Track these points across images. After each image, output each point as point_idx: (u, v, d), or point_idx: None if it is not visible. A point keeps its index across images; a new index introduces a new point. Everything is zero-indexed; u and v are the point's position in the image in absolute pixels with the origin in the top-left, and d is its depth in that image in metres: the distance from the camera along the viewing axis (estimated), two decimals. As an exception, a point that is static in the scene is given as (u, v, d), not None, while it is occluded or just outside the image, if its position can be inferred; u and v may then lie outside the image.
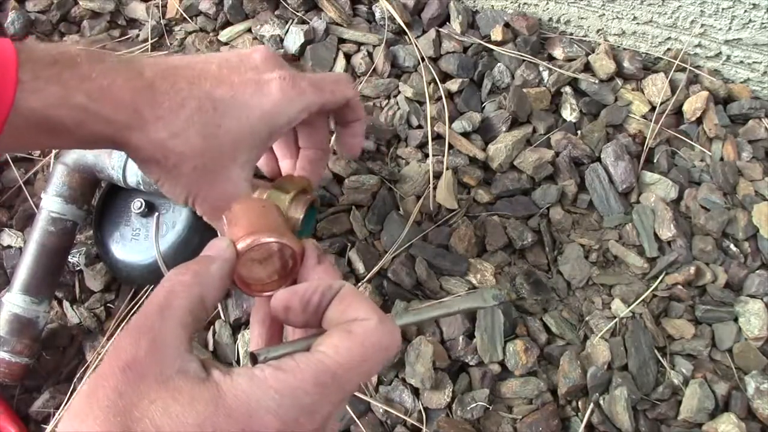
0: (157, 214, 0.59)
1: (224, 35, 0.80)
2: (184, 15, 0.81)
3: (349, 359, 0.28)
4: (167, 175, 0.40)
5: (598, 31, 0.81)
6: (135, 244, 0.60)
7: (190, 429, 0.25)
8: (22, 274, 0.59)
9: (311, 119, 0.46)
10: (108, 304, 0.67)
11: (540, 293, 0.64)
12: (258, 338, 0.38)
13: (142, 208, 0.58)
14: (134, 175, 0.58)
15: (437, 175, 0.70)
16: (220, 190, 0.41)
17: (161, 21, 0.81)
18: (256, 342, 0.38)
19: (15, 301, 0.58)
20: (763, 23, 0.71)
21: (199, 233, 0.59)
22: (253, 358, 0.30)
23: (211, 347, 0.63)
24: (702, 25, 0.74)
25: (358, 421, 0.58)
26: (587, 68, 0.78)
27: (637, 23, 0.77)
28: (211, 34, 0.81)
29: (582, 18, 0.80)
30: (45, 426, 0.61)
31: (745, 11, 0.70)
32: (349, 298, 0.32)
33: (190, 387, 0.27)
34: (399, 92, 0.75)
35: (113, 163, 0.58)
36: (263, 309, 0.38)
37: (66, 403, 0.61)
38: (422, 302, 0.64)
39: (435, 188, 0.69)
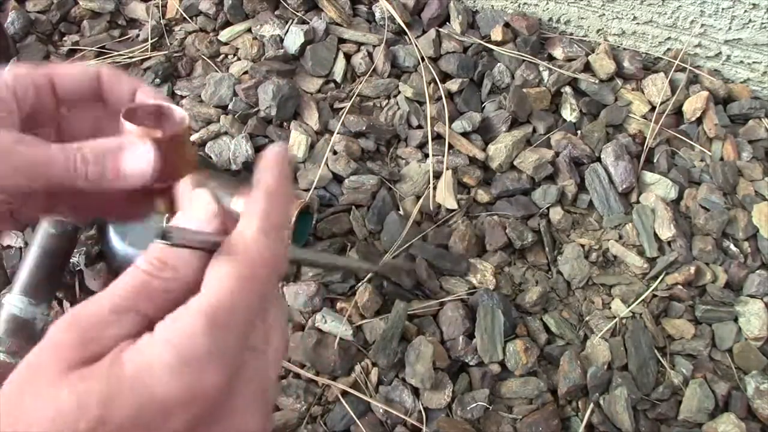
0: (167, 214, 0.59)
1: (224, 35, 0.80)
2: (184, 15, 0.81)
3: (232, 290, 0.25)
4: None
5: (598, 31, 0.81)
6: (147, 242, 0.60)
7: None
8: (22, 276, 0.59)
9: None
10: (108, 304, 0.67)
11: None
12: None
13: None
14: None
15: (437, 175, 0.70)
16: None
17: (161, 21, 0.81)
18: None
19: (14, 302, 0.58)
20: (763, 23, 0.71)
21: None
22: (163, 235, 0.27)
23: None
24: (702, 25, 0.74)
25: (358, 421, 0.58)
26: (587, 68, 0.78)
27: (637, 23, 0.77)
28: (211, 34, 0.81)
29: (582, 18, 0.80)
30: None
31: (745, 11, 0.70)
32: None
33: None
34: (399, 92, 0.75)
35: None
36: None
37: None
38: (422, 302, 0.64)
39: (435, 188, 0.69)
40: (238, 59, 0.78)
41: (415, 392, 0.60)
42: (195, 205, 0.29)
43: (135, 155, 0.33)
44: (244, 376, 0.26)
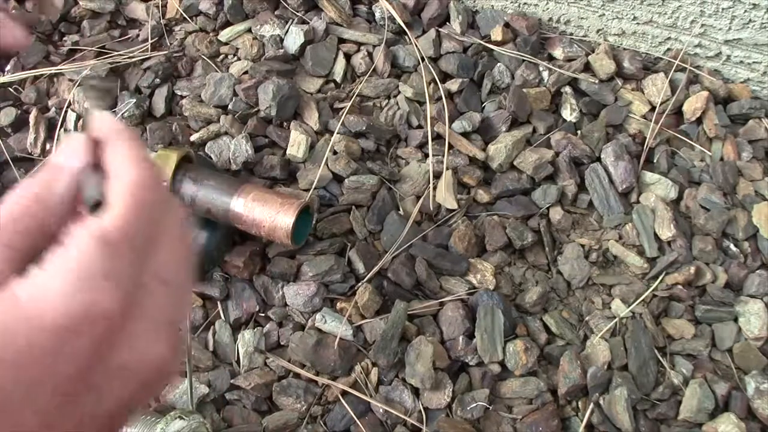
0: None
1: (224, 35, 0.80)
2: (184, 15, 0.81)
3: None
4: None
5: (598, 31, 0.81)
6: None
7: None
8: None
9: None
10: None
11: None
12: None
13: None
14: None
15: (437, 175, 0.70)
16: None
17: (161, 21, 0.81)
18: None
19: None
20: (763, 23, 0.71)
21: (207, 230, 0.61)
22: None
23: (211, 347, 0.63)
24: (702, 25, 0.74)
25: (358, 421, 0.58)
26: (587, 68, 0.78)
27: (637, 23, 0.77)
28: (211, 34, 0.81)
29: (582, 18, 0.80)
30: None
31: (745, 11, 0.70)
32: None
33: None
34: (399, 92, 0.75)
35: None
36: None
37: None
38: (422, 302, 0.64)
39: (435, 188, 0.69)
40: (238, 59, 0.78)
41: (415, 392, 0.60)
42: (67, 143, 0.28)
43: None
44: (143, 301, 0.25)
